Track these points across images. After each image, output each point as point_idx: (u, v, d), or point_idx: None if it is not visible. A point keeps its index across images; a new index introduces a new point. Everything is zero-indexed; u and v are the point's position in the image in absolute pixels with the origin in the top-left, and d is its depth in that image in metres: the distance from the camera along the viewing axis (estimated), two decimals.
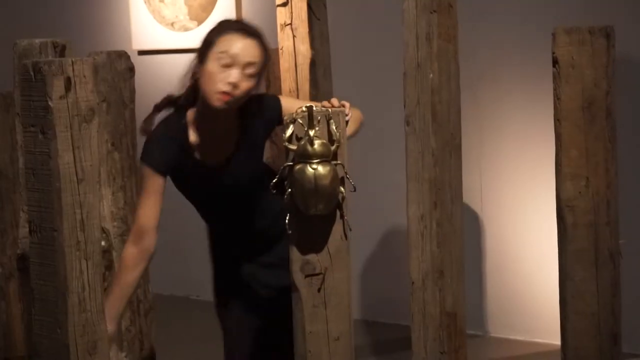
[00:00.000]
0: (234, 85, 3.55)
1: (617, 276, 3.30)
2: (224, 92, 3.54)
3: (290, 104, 3.75)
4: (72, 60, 3.15)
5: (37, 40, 3.77)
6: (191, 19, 6.76)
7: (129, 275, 3.65)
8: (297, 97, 4.74)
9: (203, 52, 3.66)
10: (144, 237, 3.65)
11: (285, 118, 3.21)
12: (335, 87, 4.94)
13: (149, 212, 3.66)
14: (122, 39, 7.06)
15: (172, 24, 6.83)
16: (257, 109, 3.76)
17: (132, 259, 3.65)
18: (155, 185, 3.66)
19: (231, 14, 6.54)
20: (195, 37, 6.73)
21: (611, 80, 3.23)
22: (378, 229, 6.13)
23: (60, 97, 3.12)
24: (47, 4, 7.61)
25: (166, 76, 6.94)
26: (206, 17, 6.67)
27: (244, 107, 3.68)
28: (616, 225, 3.30)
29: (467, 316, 4.76)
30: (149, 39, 6.97)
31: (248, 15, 6.55)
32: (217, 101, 3.55)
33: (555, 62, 3.24)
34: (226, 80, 3.54)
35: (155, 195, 3.67)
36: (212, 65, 3.58)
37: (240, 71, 3.57)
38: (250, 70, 3.60)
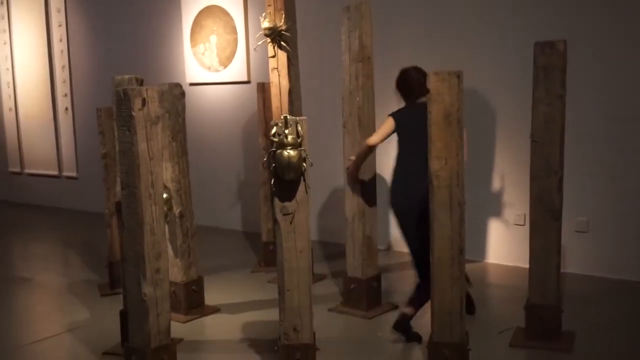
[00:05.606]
0: None
1: (463, 215, 3.34)
2: None
3: None
4: (146, 88, 3.18)
5: (126, 76, 3.78)
6: (220, 64, 6.73)
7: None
8: (280, 111, 4.73)
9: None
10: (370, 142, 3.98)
11: (271, 123, 3.22)
12: (303, 106, 4.95)
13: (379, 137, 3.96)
14: (180, 75, 7.02)
15: (208, 68, 6.80)
16: None
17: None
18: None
19: (243, 62, 6.52)
20: (222, 75, 6.74)
21: (460, 102, 3.26)
22: (327, 188, 6.16)
23: (139, 110, 3.15)
24: (134, 55, 7.56)
25: (205, 98, 6.96)
26: (229, 64, 6.64)
27: None
28: (462, 186, 3.33)
29: (379, 238, 4.81)
30: (195, 76, 6.93)
31: (253, 64, 6.53)
32: None
33: (428, 91, 3.26)
34: None
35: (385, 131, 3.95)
36: None
37: None
38: None
